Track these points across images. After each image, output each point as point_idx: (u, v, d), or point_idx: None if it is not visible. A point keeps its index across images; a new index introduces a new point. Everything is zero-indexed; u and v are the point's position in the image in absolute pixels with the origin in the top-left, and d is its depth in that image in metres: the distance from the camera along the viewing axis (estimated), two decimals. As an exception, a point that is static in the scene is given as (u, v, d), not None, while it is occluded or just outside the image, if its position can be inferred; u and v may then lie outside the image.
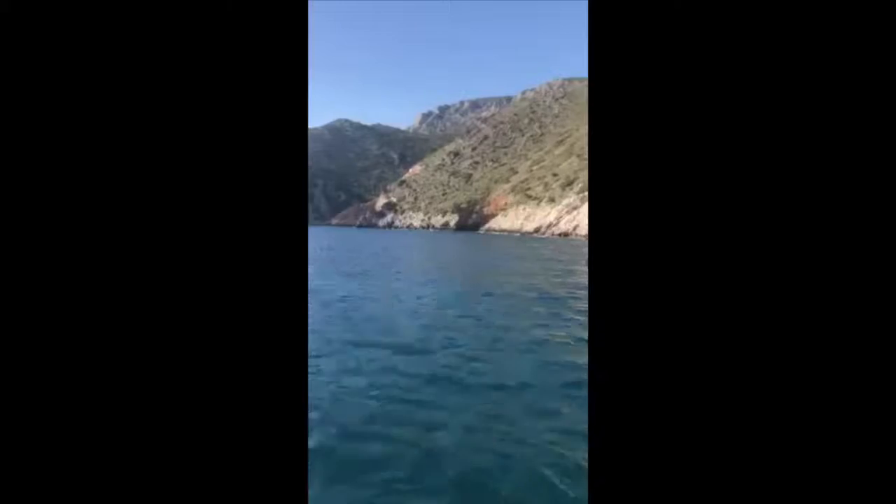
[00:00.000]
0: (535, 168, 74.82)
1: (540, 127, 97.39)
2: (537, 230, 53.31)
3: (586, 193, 50.71)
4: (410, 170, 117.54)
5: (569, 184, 58.21)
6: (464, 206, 77.71)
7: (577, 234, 45.02)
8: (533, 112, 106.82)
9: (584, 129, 74.76)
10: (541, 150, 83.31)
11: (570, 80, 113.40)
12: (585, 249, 28.26)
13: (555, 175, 65.01)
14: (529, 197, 64.35)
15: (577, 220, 47.46)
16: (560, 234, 47.73)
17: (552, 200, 57.40)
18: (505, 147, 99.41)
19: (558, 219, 51.66)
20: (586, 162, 60.66)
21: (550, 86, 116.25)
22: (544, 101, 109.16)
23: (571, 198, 53.29)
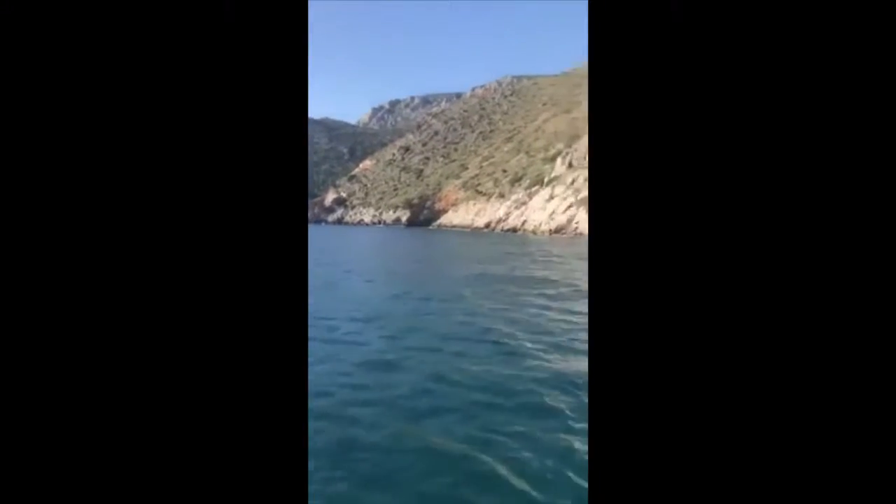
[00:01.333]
0: (484, 164, 75.70)
1: (489, 124, 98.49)
2: (487, 225, 54.06)
3: (534, 189, 51.97)
4: (361, 164, 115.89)
5: (517, 180, 59.32)
6: (415, 201, 77.53)
7: (524, 230, 46.03)
8: (483, 109, 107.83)
9: (532, 126, 76.36)
10: (490, 146, 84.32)
11: (519, 77, 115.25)
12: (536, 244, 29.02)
13: (504, 171, 66.04)
14: (480, 193, 65.07)
15: (526, 215, 48.52)
16: (509, 230, 48.64)
17: (502, 196, 58.32)
18: (455, 143, 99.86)
19: (507, 214, 52.59)
20: (534, 158, 62.08)
21: (500, 83, 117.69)
22: (493, 99, 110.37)
23: (520, 194, 54.36)
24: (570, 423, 3.58)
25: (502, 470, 2.87)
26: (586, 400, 3.81)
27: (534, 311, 7.96)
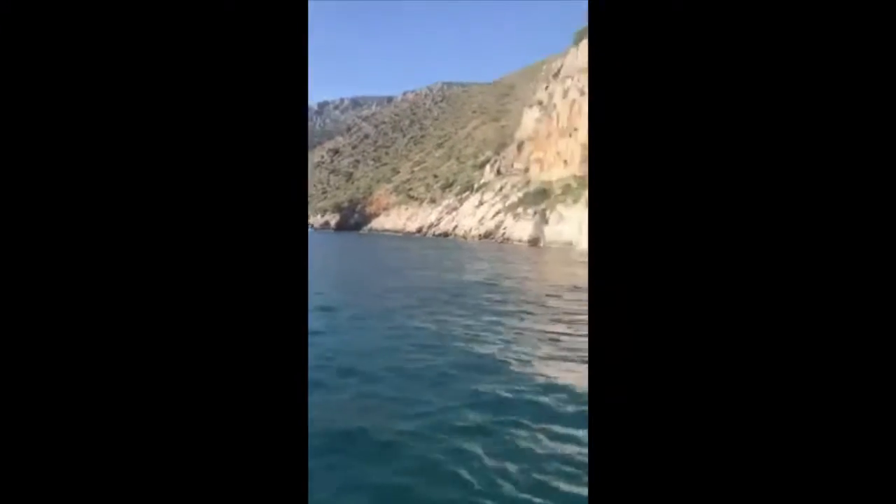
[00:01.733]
0: (416, 169, 76.03)
1: (420, 129, 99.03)
2: (419, 230, 54.37)
3: (464, 195, 53.04)
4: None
5: (448, 185, 60.20)
6: (345, 205, 76.18)
7: (455, 235, 46.81)
8: (414, 113, 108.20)
9: (463, 133, 77.79)
10: (422, 151, 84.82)
11: (450, 84, 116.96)
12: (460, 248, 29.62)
13: (435, 176, 66.75)
14: (411, 197, 65.30)
15: (457, 220, 49.36)
16: (440, 234, 49.24)
17: (433, 201, 58.94)
18: (386, 147, 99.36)
19: (439, 219, 53.21)
20: (464, 165, 63.30)
21: (430, 89, 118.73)
22: (425, 104, 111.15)
23: (451, 199, 55.22)
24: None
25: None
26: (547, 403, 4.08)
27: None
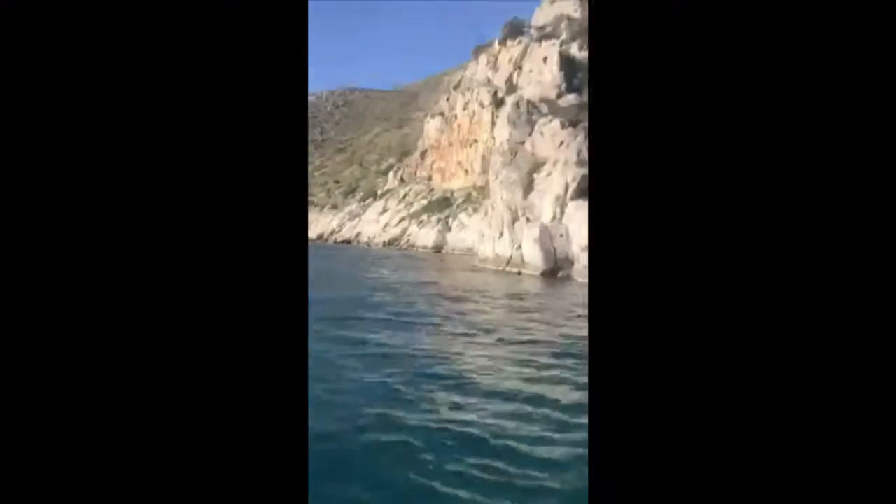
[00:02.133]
0: (316, 174, 73.89)
1: (321, 133, 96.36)
2: (320, 237, 52.92)
3: (368, 202, 52.68)
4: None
5: (351, 191, 59.37)
6: (239, 210, 71.49)
7: (358, 241, 46.34)
8: (314, 117, 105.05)
9: (365, 139, 77.14)
10: (322, 155, 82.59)
11: (351, 89, 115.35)
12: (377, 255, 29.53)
13: (337, 182, 65.42)
14: (312, 203, 63.39)
15: (360, 227, 48.89)
16: (343, 241, 48.42)
17: (335, 207, 57.77)
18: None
19: (341, 225, 52.27)
20: (367, 171, 62.81)
21: (332, 93, 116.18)
22: (325, 107, 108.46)
23: (353, 205, 54.55)
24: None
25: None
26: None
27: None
